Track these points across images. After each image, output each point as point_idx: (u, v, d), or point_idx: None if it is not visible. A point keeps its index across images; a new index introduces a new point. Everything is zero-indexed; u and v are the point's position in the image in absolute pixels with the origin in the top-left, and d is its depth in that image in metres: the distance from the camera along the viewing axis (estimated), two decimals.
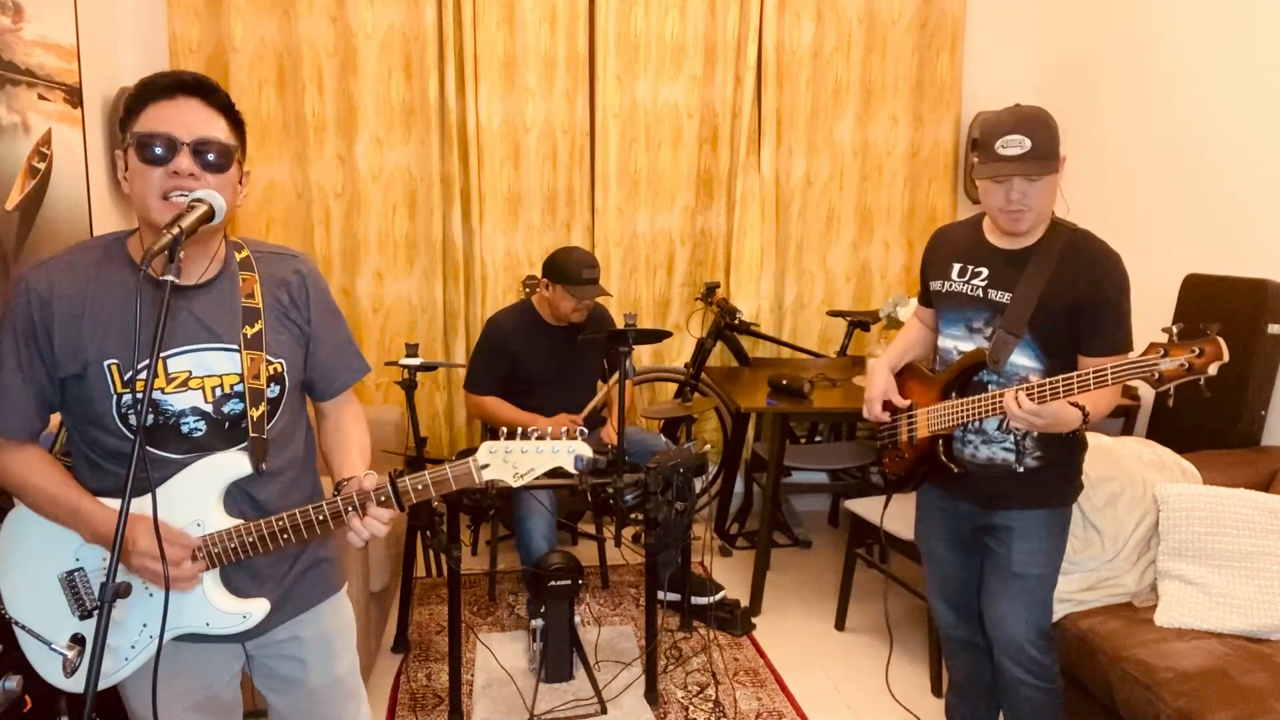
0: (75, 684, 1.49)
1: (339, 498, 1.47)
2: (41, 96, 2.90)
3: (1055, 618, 2.45)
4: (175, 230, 1.29)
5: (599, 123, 4.12)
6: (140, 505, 1.34)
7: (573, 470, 1.48)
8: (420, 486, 1.48)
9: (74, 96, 3.13)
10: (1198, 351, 1.67)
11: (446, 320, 4.12)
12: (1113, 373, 1.74)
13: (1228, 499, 2.42)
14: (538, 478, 1.51)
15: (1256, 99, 3.05)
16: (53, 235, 2.95)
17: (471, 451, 2.74)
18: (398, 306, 4.08)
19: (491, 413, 3.30)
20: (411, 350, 2.95)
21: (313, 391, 1.65)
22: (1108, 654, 2.28)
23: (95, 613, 1.43)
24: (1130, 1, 3.65)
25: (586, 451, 1.48)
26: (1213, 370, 1.66)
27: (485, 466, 1.48)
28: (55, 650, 1.47)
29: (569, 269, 3.15)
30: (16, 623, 1.50)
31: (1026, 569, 2.07)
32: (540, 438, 1.48)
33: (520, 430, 1.50)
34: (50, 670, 1.51)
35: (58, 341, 1.40)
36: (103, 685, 1.47)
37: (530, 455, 1.48)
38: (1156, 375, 1.70)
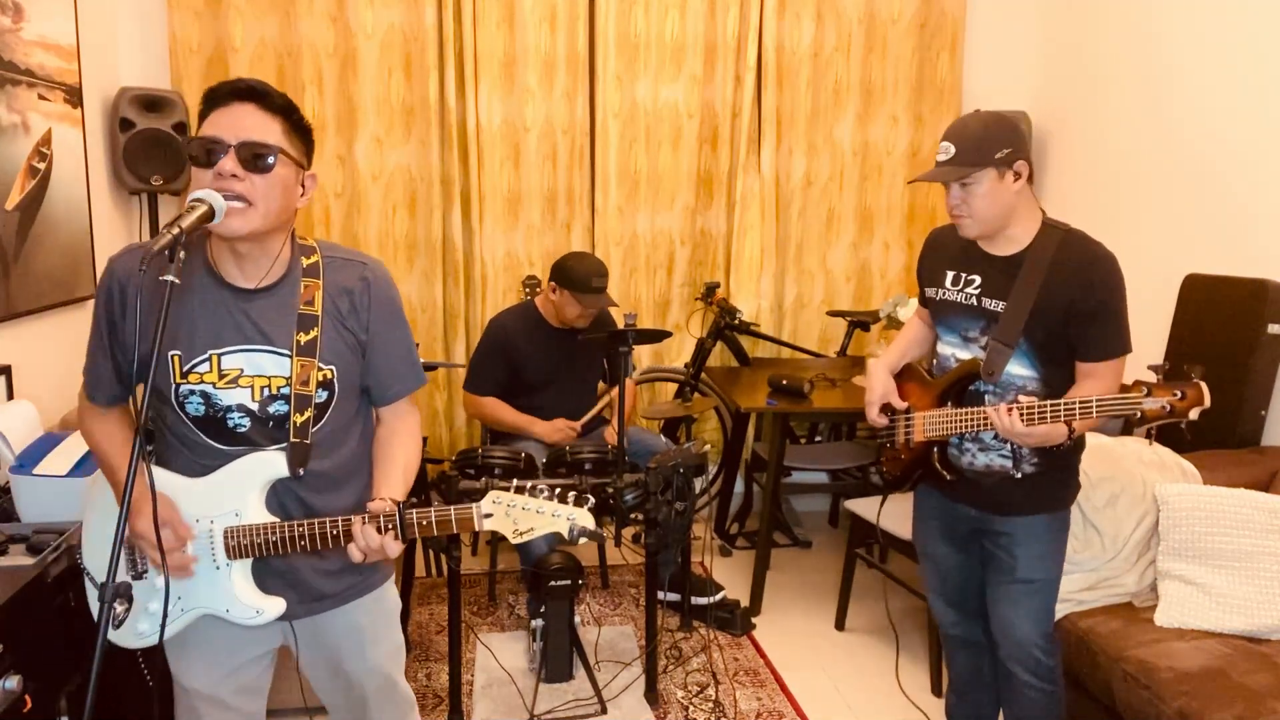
0: (120, 637, 1.59)
1: (353, 517, 1.52)
2: (41, 96, 2.90)
3: (1055, 618, 2.45)
4: (175, 230, 1.31)
5: (599, 123, 4.12)
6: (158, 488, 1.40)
7: (567, 538, 1.52)
8: (424, 522, 1.53)
9: (74, 96, 3.14)
10: (1180, 395, 1.70)
11: (446, 320, 4.13)
12: (1097, 406, 1.78)
13: (1228, 499, 2.42)
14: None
15: (1256, 99, 3.05)
16: (53, 235, 2.95)
17: (472, 453, 2.79)
18: None
19: (490, 414, 3.30)
20: None
21: (370, 397, 1.68)
22: (1108, 654, 2.28)
23: (144, 575, 1.57)
24: (1130, 2, 3.66)
25: (588, 523, 1.52)
26: (1194, 415, 1.71)
27: (488, 516, 1.53)
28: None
29: (579, 276, 3.14)
30: (85, 570, 1.62)
31: (1032, 574, 2.07)
32: (547, 498, 1.52)
33: (530, 486, 1.53)
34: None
35: (129, 326, 1.50)
36: (143, 645, 1.59)
37: (532, 515, 1.52)
38: (1139, 415, 1.73)
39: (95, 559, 1.62)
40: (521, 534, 1.52)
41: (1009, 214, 1.96)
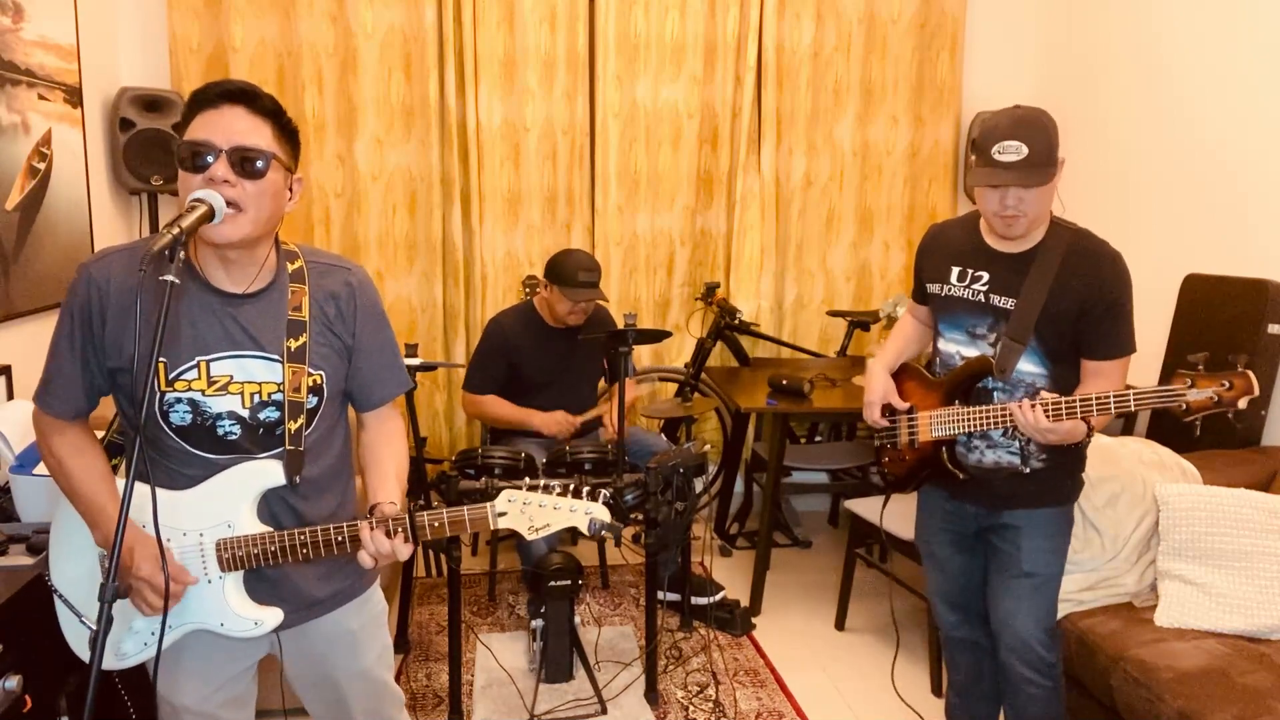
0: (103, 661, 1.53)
1: (360, 523, 1.50)
2: (41, 96, 2.90)
3: (1058, 615, 2.45)
4: (174, 230, 1.29)
5: (599, 123, 4.12)
6: (144, 516, 1.34)
7: (586, 533, 1.51)
8: (436, 524, 1.51)
9: (74, 96, 3.14)
10: (1227, 385, 1.68)
11: (446, 320, 4.12)
12: (1136, 400, 1.74)
13: (1228, 499, 2.42)
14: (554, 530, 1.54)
15: (1257, 99, 3.05)
16: (53, 235, 2.95)
17: (472, 453, 2.79)
18: (398, 306, 4.08)
19: (489, 412, 3.29)
20: (411, 350, 2.95)
21: (353, 402, 1.67)
22: (1108, 654, 2.28)
23: (119, 598, 1.48)
24: (1130, 2, 3.66)
25: (604, 516, 1.51)
26: (1243, 404, 1.68)
27: (503, 515, 1.51)
28: (84, 624, 1.54)
29: (566, 271, 3.15)
30: (56, 591, 1.56)
31: (1035, 567, 2.07)
32: (561, 494, 1.51)
33: (542, 484, 1.52)
34: (79, 643, 1.58)
35: (109, 332, 1.45)
36: (124, 665, 1.55)
37: (548, 511, 1.51)
38: (1184, 406, 1.70)
39: (68, 578, 1.56)
40: (537, 530, 1.51)
41: (1049, 207, 1.96)
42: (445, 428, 4.20)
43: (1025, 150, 1.83)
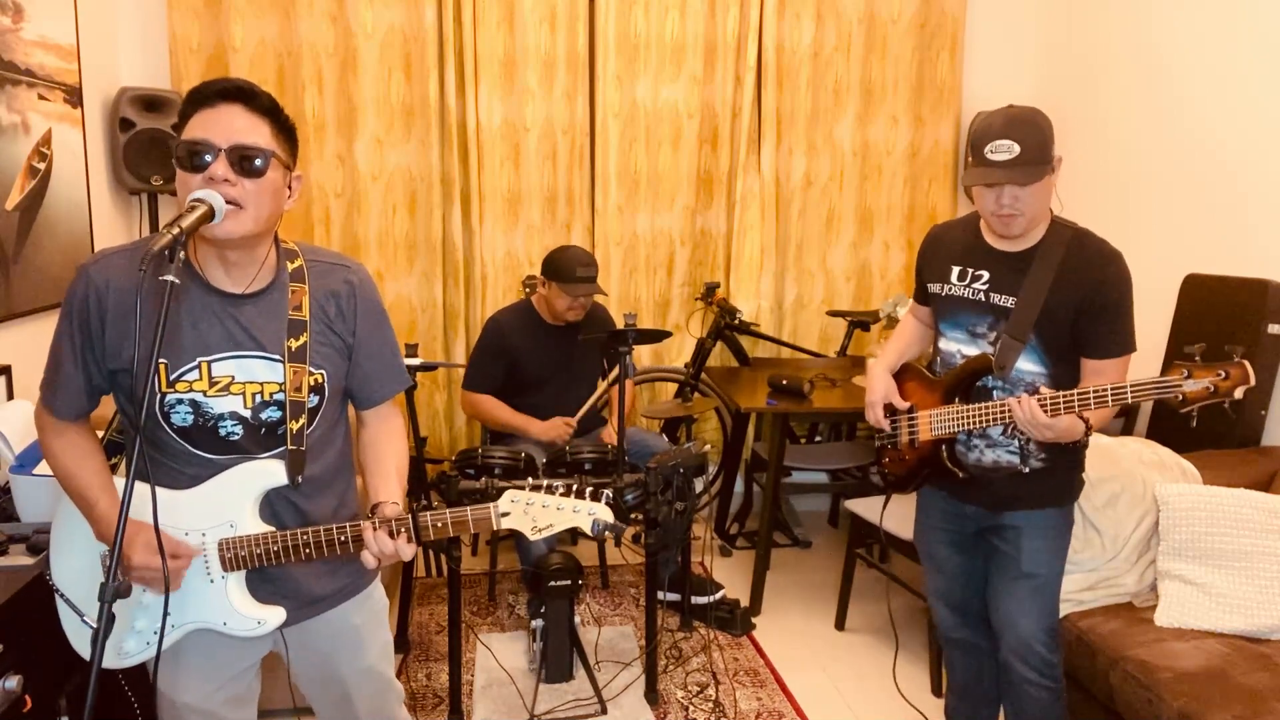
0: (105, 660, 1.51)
1: (363, 523, 1.50)
2: (41, 96, 2.90)
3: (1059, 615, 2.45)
4: (174, 230, 1.29)
5: (599, 123, 4.12)
6: (145, 515, 1.34)
7: (589, 533, 1.52)
8: (440, 524, 1.51)
9: (74, 96, 3.14)
10: (1223, 375, 1.68)
11: (446, 320, 4.13)
12: (1132, 392, 1.74)
13: (1228, 499, 2.42)
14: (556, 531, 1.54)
15: (1257, 99, 3.05)
16: (53, 235, 2.95)
17: (472, 453, 2.79)
18: (398, 306, 4.08)
19: (486, 412, 3.29)
20: (411, 350, 2.95)
21: (353, 400, 1.67)
22: (1108, 654, 2.28)
23: (119, 597, 1.47)
24: (1130, 2, 3.66)
25: (607, 516, 1.52)
26: (1238, 394, 1.68)
27: (506, 515, 1.51)
28: (86, 623, 1.54)
29: (564, 267, 3.15)
30: (58, 591, 1.56)
31: (1036, 568, 2.07)
32: (564, 495, 1.51)
33: (545, 484, 1.52)
34: (81, 642, 1.58)
35: (109, 335, 1.45)
36: (126, 664, 1.55)
37: (551, 511, 1.52)
38: (1180, 397, 1.70)
39: (70, 578, 1.56)
40: (540, 530, 1.51)
41: (1048, 206, 1.96)
42: (445, 428, 4.20)
43: (1018, 149, 1.84)
